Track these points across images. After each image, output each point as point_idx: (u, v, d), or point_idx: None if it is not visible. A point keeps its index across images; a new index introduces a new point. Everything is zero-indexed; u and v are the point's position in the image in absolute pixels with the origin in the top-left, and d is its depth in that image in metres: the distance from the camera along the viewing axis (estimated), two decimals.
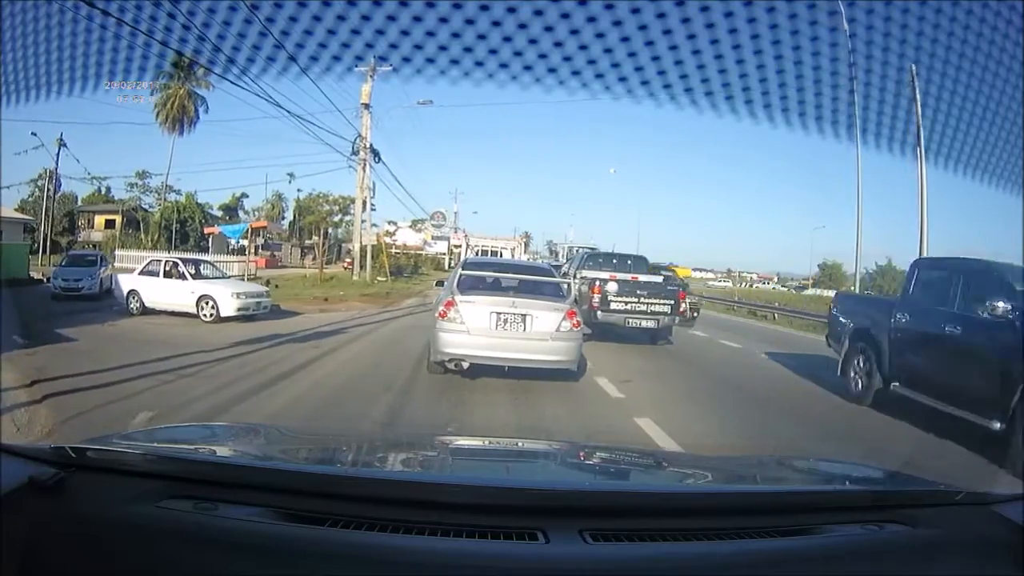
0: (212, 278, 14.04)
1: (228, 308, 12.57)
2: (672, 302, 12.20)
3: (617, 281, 12.42)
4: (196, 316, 12.78)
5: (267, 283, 19.76)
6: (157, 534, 1.39)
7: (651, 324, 12.17)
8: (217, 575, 1.33)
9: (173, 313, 13.00)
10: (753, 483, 2.24)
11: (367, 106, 26.53)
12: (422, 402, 6.70)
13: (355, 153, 26.76)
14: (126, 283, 13.91)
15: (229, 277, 14.70)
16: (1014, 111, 4.27)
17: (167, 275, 13.49)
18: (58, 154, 30.60)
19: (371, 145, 27.16)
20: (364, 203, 28.63)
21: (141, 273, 13.95)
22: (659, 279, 14.29)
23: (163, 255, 13.91)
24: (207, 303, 12.73)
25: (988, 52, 4.11)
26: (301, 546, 1.37)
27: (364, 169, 27.63)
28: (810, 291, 64.05)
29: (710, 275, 70.69)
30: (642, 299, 12.09)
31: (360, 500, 1.53)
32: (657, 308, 12.13)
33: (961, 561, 1.57)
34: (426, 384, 7.29)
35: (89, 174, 34.00)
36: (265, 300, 13.55)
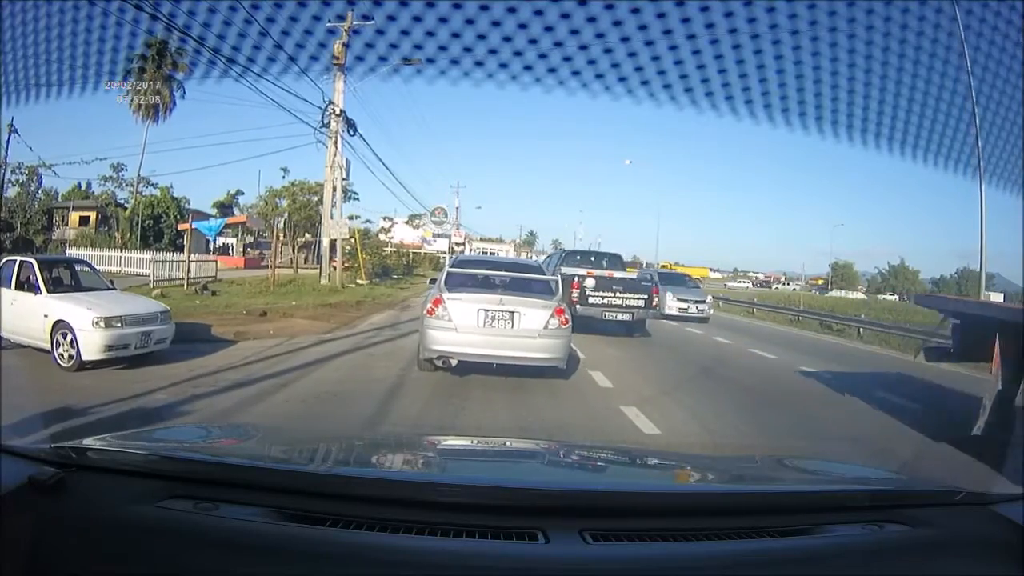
0: (86, 289, 8.76)
1: (91, 345, 7.45)
2: (646, 296, 13.11)
3: (594, 277, 13.25)
4: (57, 355, 7.58)
5: (204, 288, 16.59)
6: (157, 534, 1.39)
7: (626, 317, 13.00)
8: (217, 575, 1.34)
9: (36, 349, 7.86)
10: (753, 483, 2.24)
11: (340, 66, 20.55)
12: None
13: (326, 126, 21.42)
14: None
15: (112, 289, 9.14)
16: (1014, 111, 4.27)
17: (19, 285, 8.22)
18: (8, 141, 27.55)
19: (343, 112, 21.50)
20: (335, 188, 22.85)
21: None
22: (632, 275, 15.55)
23: (17, 257, 8.75)
24: (65, 334, 7.57)
25: (988, 52, 4.11)
26: (301, 546, 1.37)
27: (336, 144, 21.87)
28: (834, 293, 63.67)
29: (717, 275, 70.71)
30: (618, 294, 12.93)
31: (360, 500, 1.54)
32: (632, 302, 12.97)
33: (961, 561, 1.57)
34: None
35: (41, 161, 31.81)
36: (161, 328, 8.25)
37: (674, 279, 21.13)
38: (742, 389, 8.61)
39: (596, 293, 12.89)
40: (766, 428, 6.56)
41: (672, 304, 18.40)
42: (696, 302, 19.05)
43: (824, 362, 11.83)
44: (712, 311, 19.99)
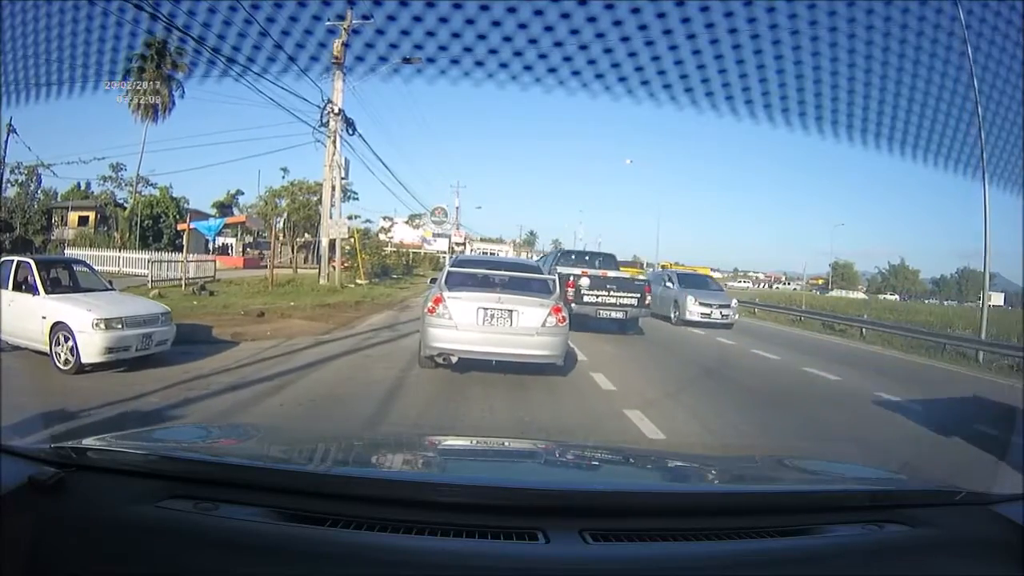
0: (84, 290, 8.52)
1: (90, 348, 7.22)
2: (639, 295, 13.53)
3: (589, 276, 13.68)
4: (56, 357, 7.35)
5: (202, 288, 16.53)
6: (157, 534, 1.39)
7: (620, 315, 13.44)
8: (217, 575, 1.34)
9: (34, 352, 7.63)
10: (753, 483, 2.24)
11: (339, 64, 20.05)
12: None
13: (324, 125, 21.17)
14: None
15: (111, 290, 8.86)
16: (1014, 111, 4.27)
17: (16, 285, 7.98)
18: (6, 141, 27.20)
19: (342, 111, 21.18)
20: (334, 187, 22.49)
21: None
22: (626, 275, 15.64)
23: (15, 257, 8.53)
24: (64, 336, 7.33)
25: (988, 52, 4.11)
26: (301, 546, 1.37)
27: (334, 143, 21.58)
28: (834, 292, 63.63)
29: (718, 275, 70.84)
30: (611, 292, 13.40)
31: (360, 500, 1.54)
32: (625, 300, 13.40)
33: (961, 561, 1.57)
34: None
35: (40, 161, 31.50)
36: (162, 329, 8.03)
37: (695, 281, 19.49)
38: (743, 390, 8.60)
39: (591, 292, 13.26)
40: (768, 429, 6.56)
41: (693, 309, 17.19)
42: (720, 306, 17.46)
43: (836, 364, 11.72)
44: (737, 316, 18.10)
